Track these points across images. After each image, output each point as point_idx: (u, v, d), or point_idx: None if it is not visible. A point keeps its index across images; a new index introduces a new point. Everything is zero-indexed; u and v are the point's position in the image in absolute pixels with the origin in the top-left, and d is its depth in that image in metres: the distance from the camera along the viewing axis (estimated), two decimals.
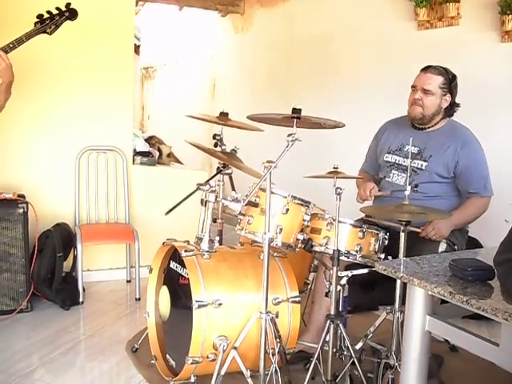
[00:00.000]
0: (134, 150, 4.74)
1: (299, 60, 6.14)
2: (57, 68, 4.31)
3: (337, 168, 2.80)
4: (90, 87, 4.43)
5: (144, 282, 4.01)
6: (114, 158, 4.51)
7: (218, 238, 2.90)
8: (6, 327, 3.67)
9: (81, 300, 4.08)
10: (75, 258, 4.17)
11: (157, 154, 4.96)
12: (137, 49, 8.73)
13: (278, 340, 2.65)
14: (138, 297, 4.21)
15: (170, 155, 5.11)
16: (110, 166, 4.51)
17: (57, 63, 4.29)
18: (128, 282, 4.62)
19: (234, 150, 3.14)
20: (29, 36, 3.18)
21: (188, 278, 2.66)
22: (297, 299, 2.86)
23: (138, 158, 4.70)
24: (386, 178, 3.36)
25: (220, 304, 2.63)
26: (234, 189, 3.31)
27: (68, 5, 3.29)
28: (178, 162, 5.44)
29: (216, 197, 2.77)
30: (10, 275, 3.83)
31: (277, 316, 2.68)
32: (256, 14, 7.06)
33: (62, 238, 4.08)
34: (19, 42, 3.15)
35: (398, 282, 2.73)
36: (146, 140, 5.08)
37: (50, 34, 3.26)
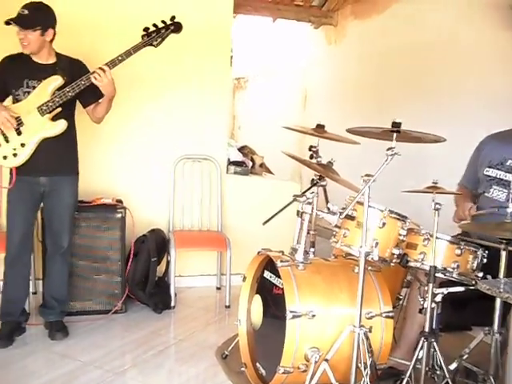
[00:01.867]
0: (228, 159, 4.83)
1: (393, 72, 6.07)
2: (156, 78, 4.46)
3: (436, 183, 2.75)
4: (187, 97, 4.57)
5: (234, 290, 4.08)
6: (209, 166, 4.61)
7: (312, 250, 2.90)
8: (102, 326, 3.83)
9: (172, 304, 4.18)
10: (168, 263, 4.28)
11: (250, 163, 5.03)
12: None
13: (369, 354, 2.62)
14: (227, 304, 4.26)
15: (262, 165, 5.17)
16: (205, 174, 4.61)
17: (156, 74, 4.44)
18: (218, 289, 4.71)
19: (330, 162, 3.15)
20: (136, 49, 3.32)
21: (282, 288, 2.68)
22: (390, 314, 2.82)
23: (232, 168, 4.79)
24: (486, 194, 3.25)
25: (313, 315, 2.64)
26: (327, 201, 3.31)
27: (173, 18, 3.41)
28: (269, 172, 5.48)
29: (312, 208, 2.78)
30: (106, 277, 4.00)
31: (370, 330, 2.66)
32: (349, 26, 7.05)
33: (157, 244, 4.20)
34: (127, 54, 3.30)
35: (498, 303, 2.65)
36: (239, 150, 5.17)
37: (156, 46, 3.39)
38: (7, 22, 3.22)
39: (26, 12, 3.25)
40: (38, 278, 4.18)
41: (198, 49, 4.52)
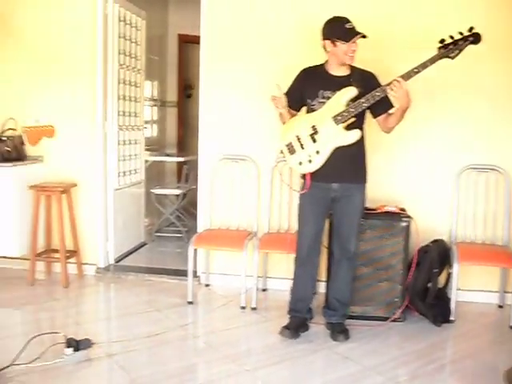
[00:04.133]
0: None
1: None
2: (444, 88, 4.37)
3: None
4: (476, 107, 4.39)
5: None
6: (496, 177, 4.36)
7: None
8: (381, 333, 3.88)
9: (452, 318, 4.05)
10: (449, 275, 4.16)
11: None
12: None
13: None
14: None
15: None
16: (491, 185, 4.38)
17: (444, 83, 4.34)
18: (500, 307, 4.43)
19: None
20: (432, 61, 3.32)
21: None
22: None
23: None
24: None
25: None
26: None
27: (471, 28, 3.32)
28: None
29: None
30: (387, 284, 4.03)
31: None
32: None
33: (439, 255, 4.11)
34: (423, 66, 3.32)
35: None
36: None
37: (453, 58, 3.35)
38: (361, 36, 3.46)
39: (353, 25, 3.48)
40: (319, 280, 4.37)
41: (492, 56, 4.31)
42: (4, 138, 4.87)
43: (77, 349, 3.35)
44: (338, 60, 3.53)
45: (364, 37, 3.43)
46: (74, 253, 4.93)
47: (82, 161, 5.03)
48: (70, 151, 4.99)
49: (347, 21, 3.46)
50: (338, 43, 3.45)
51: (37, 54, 4.98)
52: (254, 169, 4.60)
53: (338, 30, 3.46)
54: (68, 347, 3.34)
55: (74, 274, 4.95)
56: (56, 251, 4.93)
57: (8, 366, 3.19)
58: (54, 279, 4.91)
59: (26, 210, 4.84)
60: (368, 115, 3.65)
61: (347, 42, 3.43)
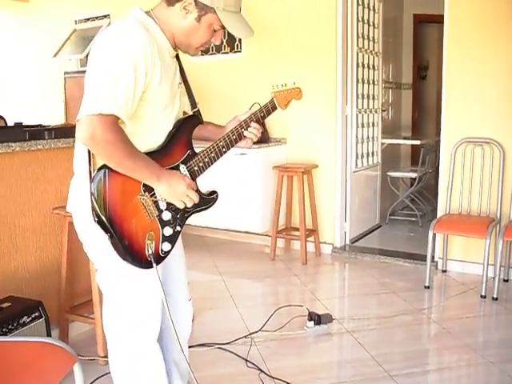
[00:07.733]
0: None
1: None
2: None
3: None
4: None
5: None
6: None
7: None
8: None
9: None
10: None
11: None
12: None
13: None
14: None
15: None
16: None
17: None
18: None
19: None
20: None
21: None
22: None
23: None
24: None
25: None
26: None
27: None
28: None
29: None
30: None
31: None
32: None
33: None
34: None
35: None
36: None
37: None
38: None
39: None
40: None
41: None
42: None
43: (318, 322, 3.52)
44: None
45: None
46: (312, 231, 5.14)
47: (322, 143, 5.21)
48: (311, 134, 5.19)
49: None
50: None
51: (280, 41, 5.24)
52: (499, 152, 4.37)
53: None
54: (310, 320, 3.52)
55: (311, 251, 5.18)
56: (295, 229, 5.19)
57: (257, 331, 3.49)
58: (293, 256, 5.19)
59: (269, 189, 5.16)
60: None
61: None
